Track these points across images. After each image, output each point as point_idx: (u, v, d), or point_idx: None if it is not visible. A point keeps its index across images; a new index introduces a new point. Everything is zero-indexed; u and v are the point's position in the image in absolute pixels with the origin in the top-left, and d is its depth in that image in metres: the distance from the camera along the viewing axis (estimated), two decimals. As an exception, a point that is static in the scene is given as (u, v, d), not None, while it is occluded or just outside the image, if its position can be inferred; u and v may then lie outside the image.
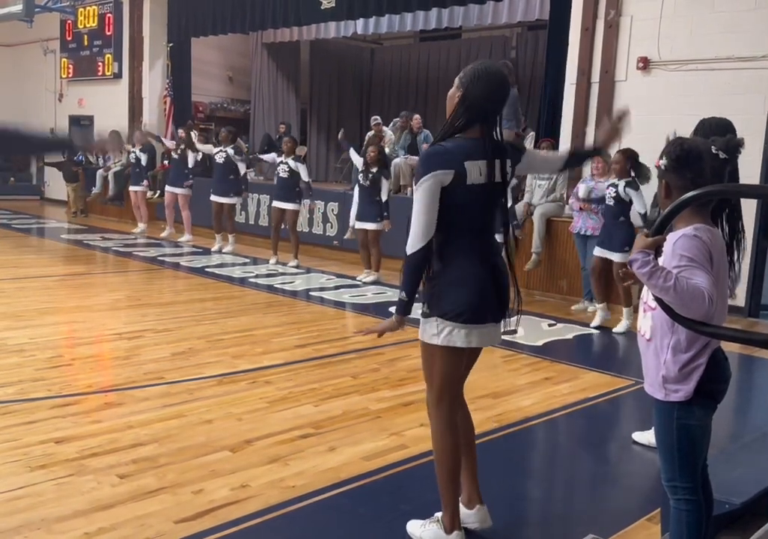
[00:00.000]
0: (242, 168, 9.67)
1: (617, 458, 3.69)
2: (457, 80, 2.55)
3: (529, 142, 8.84)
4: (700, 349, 2.14)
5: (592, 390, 4.57)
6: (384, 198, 7.90)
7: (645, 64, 7.50)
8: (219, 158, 9.69)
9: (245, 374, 4.62)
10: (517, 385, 4.57)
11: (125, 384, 4.36)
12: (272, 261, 9.10)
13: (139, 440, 3.51)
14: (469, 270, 2.55)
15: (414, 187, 2.57)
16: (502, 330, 2.68)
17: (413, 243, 2.50)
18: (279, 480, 3.14)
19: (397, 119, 11.25)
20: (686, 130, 2.38)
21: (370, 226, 7.98)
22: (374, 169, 7.88)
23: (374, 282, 8.09)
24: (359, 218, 8.07)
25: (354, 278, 8.27)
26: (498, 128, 2.56)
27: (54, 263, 8.36)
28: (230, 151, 9.61)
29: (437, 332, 2.56)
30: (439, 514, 2.70)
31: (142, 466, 3.22)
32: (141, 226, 11.40)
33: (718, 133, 3.55)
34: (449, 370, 2.64)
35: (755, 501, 2.85)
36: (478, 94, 2.49)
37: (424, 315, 2.61)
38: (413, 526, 2.76)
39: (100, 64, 14.03)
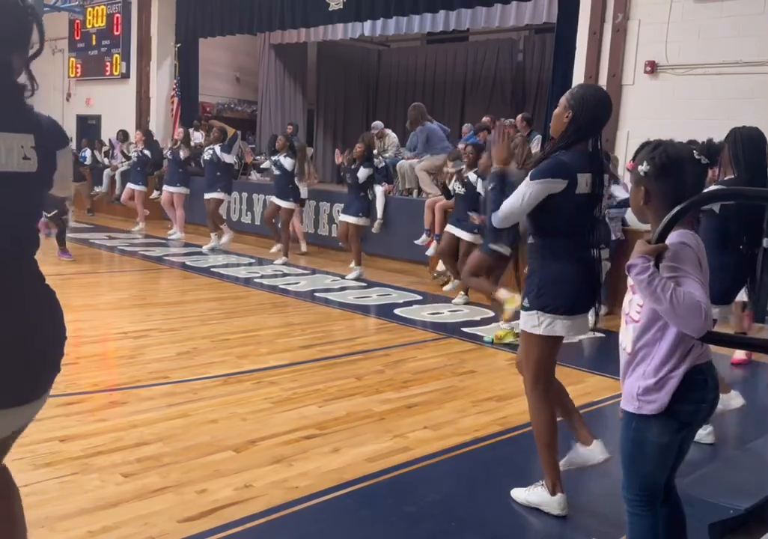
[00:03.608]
0: (228, 158, 9.79)
1: (619, 462, 3.68)
2: (564, 101, 2.84)
3: (535, 145, 8.84)
4: (676, 367, 2.05)
5: (595, 395, 4.57)
6: (365, 180, 8.09)
7: (652, 68, 7.49)
8: (206, 155, 9.86)
9: (250, 374, 4.62)
10: (521, 388, 4.53)
11: (130, 383, 4.37)
12: (274, 249, 9.45)
13: (143, 439, 3.51)
14: (567, 268, 2.85)
15: (525, 180, 2.84)
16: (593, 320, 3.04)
17: (502, 222, 2.89)
18: (282, 481, 3.15)
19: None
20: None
21: (350, 219, 8.18)
22: (354, 166, 8.08)
23: (356, 278, 8.18)
24: (343, 210, 8.45)
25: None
26: (601, 144, 2.90)
27: (60, 262, 8.37)
28: (217, 148, 9.73)
29: (538, 323, 2.87)
30: (541, 481, 3.02)
31: (147, 465, 3.23)
32: (140, 225, 11.42)
33: (752, 146, 3.57)
34: (545, 356, 2.96)
35: (760, 507, 2.84)
36: (586, 116, 2.79)
37: (525, 308, 2.91)
38: (517, 492, 3.08)
39: (108, 63, 14.08)
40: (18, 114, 1.63)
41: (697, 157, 2.12)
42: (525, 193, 2.79)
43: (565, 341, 3.03)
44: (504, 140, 3.11)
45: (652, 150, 2.12)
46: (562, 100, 2.86)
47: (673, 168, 2.08)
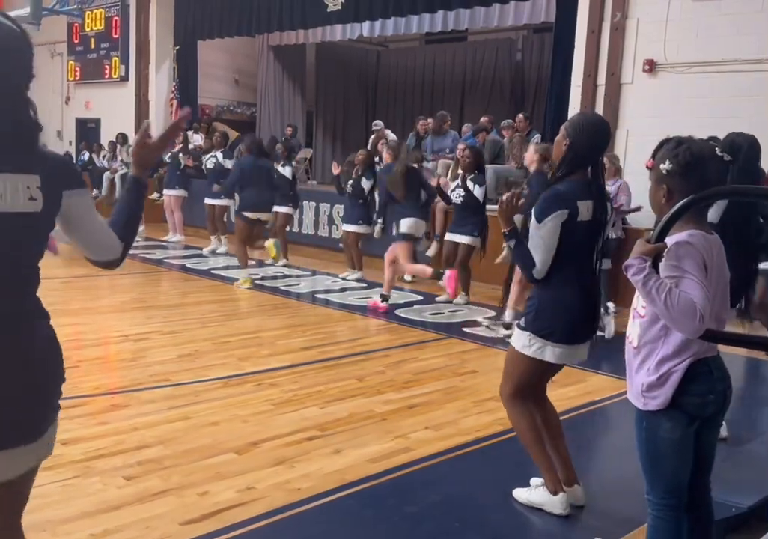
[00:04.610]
0: (230, 165, 9.67)
1: (623, 461, 3.68)
2: (563, 129, 2.85)
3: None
4: (680, 361, 2.04)
5: (597, 394, 4.56)
6: (367, 192, 8.04)
7: (651, 66, 7.49)
8: (209, 163, 9.79)
9: (251, 376, 4.62)
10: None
11: (131, 386, 4.37)
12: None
13: (144, 442, 3.51)
14: (566, 295, 2.84)
15: (533, 224, 2.81)
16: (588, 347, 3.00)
17: (539, 274, 2.81)
18: (284, 483, 3.14)
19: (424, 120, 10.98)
20: (690, 132, 2.31)
21: (350, 227, 8.23)
22: (356, 174, 8.04)
23: (357, 280, 8.26)
24: (343, 219, 8.58)
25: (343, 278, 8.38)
26: (600, 171, 2.90)
27: (60, 265, 8.37)
28: (219, 155, 9.69)
29: (528, 345, 2.87)
30: (540, 480, 3.01)
31: (148, 468, 3.23)
32: (140, 227, 11.41)
33: (748, 151, 3.54)
34: (528, 377, 2.95)
35: (762, 505, 2.84)
36: (584, 143, 2.79)
37: (520, 327, 2.93)
38: (519, 492, 3.08)
39: (106, 66, 14.09)
40: (26, 154, 1.62)
41: (719, 154, 2.09)
42: (542, 237, 2.77)
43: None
44: (506, 208, 2.86)
45: (675, 147, 2.09)
46: (562, 127, 2.88)
47: (696, 166, 2.04)
